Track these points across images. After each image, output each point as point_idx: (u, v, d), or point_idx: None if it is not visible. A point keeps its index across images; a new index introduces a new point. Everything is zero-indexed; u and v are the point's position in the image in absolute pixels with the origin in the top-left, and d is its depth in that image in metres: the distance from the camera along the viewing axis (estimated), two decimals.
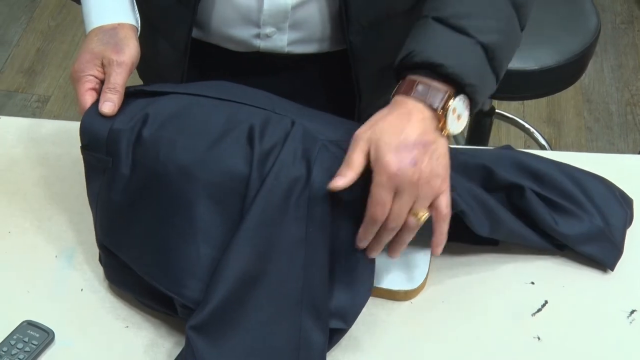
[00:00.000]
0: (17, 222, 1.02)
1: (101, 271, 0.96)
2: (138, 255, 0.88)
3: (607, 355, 0.91)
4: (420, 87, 0.83)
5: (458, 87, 0.84)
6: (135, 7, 0.95)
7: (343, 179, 0.81)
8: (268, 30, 1.00)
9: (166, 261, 0.85)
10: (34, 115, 2.31)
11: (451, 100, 0.83)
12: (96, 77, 0.90)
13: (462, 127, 0.85)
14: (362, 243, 0.84)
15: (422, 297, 0.91)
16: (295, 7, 0.98)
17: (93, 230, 1.00)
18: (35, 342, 0.88)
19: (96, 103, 0.89)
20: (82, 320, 0.92)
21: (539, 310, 0.95)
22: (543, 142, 2.15)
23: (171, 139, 0.86)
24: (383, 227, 0.82)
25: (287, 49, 1.03)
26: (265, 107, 0.89)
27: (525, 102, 2.38)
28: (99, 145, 0.88)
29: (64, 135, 1.12)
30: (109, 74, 0.89)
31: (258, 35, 1.01)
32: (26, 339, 0.88)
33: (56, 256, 0.98)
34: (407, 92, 0.84)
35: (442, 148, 0.82)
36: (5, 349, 0.87)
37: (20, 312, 0.91)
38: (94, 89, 0.90)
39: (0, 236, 1.00)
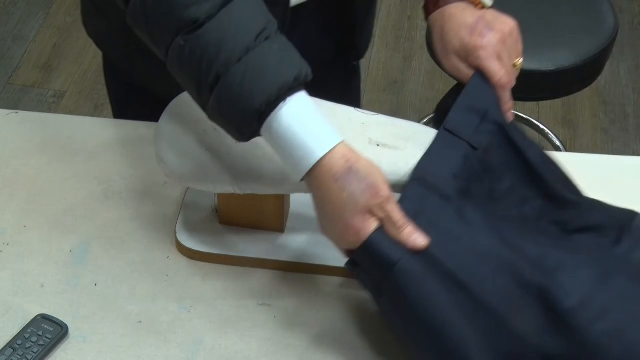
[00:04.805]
0: (32, 216, 1.02)
1: (114, 266, 0.97)
2: None
3: None
4: None
5: None
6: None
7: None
8: None
9: None
10: (49, 110, 2.33)
11: None
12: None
13: None
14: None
15: None
16: None
17: (107, 225, 1.01)
18: (49, 336, 0.88)
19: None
20: (96, 314, 0.92)
21: None
22: (558, 143, 2.14)
23: None
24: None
25: None
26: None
27: (540, 102, 2.37)
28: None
29: (80, 130, 1.13)
30: (389, 213, 0.80)
31: None
32: (40, 333, 0.89)
33: (71, 251, 0.99)
34: (445, 3, 0.96)
35: (490, 14, 0.96)
36: (19, 342, 0.88)
37: (35, 306, 0.92)
38: None
39: (15, 230, 1.01)
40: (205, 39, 0.78)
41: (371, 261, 0.81)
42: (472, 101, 0.91)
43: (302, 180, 0.81)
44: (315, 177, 0.80)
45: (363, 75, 2.46)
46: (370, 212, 0.80)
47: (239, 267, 0.97)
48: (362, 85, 2.44)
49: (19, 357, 0.86)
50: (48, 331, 0.89)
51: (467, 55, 0.93)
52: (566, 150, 2.18)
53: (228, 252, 0.98)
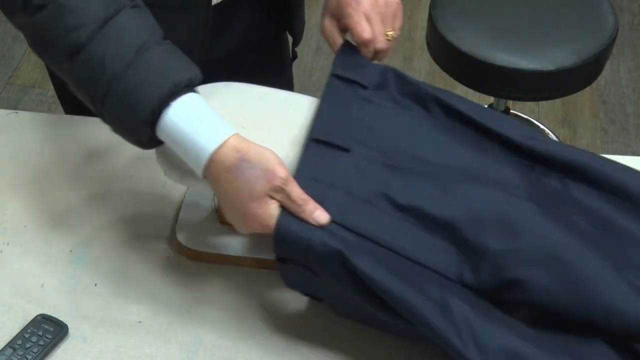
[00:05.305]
0: (32, 216, 1.02)
1: (114, 266, 0.97)
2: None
3: None
4: None
5: None
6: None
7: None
8: None
9: None
10: (50, 110, 2.33)
11: None
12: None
13: None
14: None
15: None
16: None
17: (107, 225, 1.01)
18: (49, 336, 0.88)
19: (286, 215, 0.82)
20: (96, 314, 0.92)
21: None
22: None
23: None
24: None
25: None
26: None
27: (540, 102, 2.37)
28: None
29: (80, 130, 1.13)
30: (288, 194, 0.81)
31: None
32: (40, 333, 0.89)
33: (71, 251, 0.99)
34: None
35: None
36: (19, 342, 0.88)
37: (35, 306, 0.92)
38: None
39: (16, 230, 1.01)
40: (87, 62, 0.82)
41: (288, 246, 0.82)
42: (346, 64, 0.95)
43: (204, 177, 0.83)
44: (211, 172, 0.82)
45: None
46: (269, 196, 0.81)
47: (239, 267, 0.97)
48: None
49: (19, 357, 0.86)
50: (48, 331, 0.89)
51: (340, 14, 0.96)
52: None
53: (228, 252, 0.98)
